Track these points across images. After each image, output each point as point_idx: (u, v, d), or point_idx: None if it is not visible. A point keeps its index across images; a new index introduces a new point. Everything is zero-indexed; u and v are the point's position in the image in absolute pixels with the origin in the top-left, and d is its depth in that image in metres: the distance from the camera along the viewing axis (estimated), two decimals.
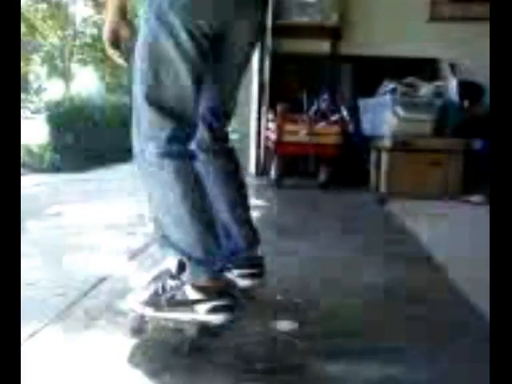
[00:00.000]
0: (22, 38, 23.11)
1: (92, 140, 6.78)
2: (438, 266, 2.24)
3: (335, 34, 4.93)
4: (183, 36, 1.35)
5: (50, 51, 30.35)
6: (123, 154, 7.50)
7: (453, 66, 4.75)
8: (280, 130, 4.33)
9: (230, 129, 1.70)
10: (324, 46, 4.97)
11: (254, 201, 3.51)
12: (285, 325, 1.56)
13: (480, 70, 3.76)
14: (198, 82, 1.41)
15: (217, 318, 1.34)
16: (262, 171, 5.16)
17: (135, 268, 2.15)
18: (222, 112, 1.63)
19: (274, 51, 5.03)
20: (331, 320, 1.64)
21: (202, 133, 1.58)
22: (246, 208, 1.69)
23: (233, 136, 6.02)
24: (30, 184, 4.64)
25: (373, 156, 4.48)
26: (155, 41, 1.36)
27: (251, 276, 1.64)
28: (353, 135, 4.51)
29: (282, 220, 3.29)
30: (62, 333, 1.50)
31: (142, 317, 1.43)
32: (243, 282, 1.62)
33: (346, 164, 4.50)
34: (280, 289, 1.92)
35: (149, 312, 1.40)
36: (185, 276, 1.36)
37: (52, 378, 1.26)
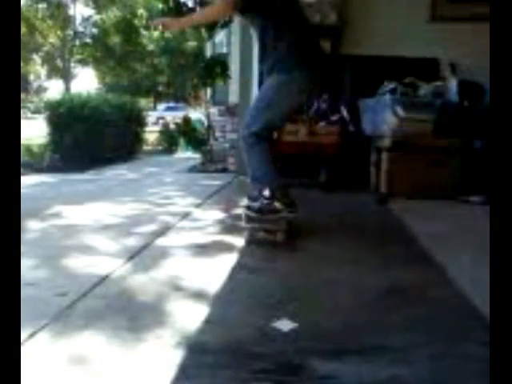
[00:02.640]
0: (22, 38, 23.14)
1: (92, 140, 6.76)
2: (437, 266, 2.23)
3: (335, 33, 4.92)
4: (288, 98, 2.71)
5: (49, 51, 30.37)
6: (123, 153, 7.53)
7: (453, 66, 4.74)
8: (280, 130, 4.31)
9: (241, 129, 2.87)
10: (324, 46, 4.96)
11: None
12: (285, 325, 1.57)
13: (480, 70, 3.75)
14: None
15: (290, 215, 2.62)
16: None
17: (134, 267, 2.15)
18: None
19: None
20: (331, 320, 1.64)
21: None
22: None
23: (233, 136, 6.04)
24: (30, 184, 4.65)
25: (373, 156, 4.48)
26: (274, 94, 2.69)
27: (293, 211, 2.66)
28: (353, 135, 4.51)
29: None
30: (62, 333, 1.50)
31: (251, 229, 2.65)
32: (289, 215, 2.65)
33: (346, 164, 4.50)
34: (281, 285, 1.93)
35: (259, 216, 2.60)
36: (270, 197, 2.59)
37: (52, 378, 1.26)
